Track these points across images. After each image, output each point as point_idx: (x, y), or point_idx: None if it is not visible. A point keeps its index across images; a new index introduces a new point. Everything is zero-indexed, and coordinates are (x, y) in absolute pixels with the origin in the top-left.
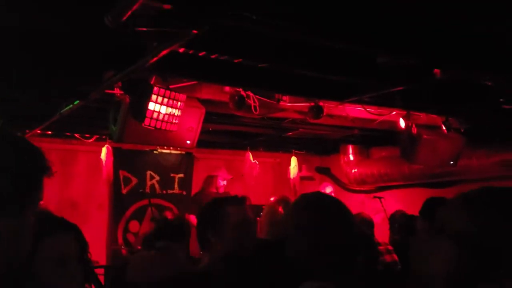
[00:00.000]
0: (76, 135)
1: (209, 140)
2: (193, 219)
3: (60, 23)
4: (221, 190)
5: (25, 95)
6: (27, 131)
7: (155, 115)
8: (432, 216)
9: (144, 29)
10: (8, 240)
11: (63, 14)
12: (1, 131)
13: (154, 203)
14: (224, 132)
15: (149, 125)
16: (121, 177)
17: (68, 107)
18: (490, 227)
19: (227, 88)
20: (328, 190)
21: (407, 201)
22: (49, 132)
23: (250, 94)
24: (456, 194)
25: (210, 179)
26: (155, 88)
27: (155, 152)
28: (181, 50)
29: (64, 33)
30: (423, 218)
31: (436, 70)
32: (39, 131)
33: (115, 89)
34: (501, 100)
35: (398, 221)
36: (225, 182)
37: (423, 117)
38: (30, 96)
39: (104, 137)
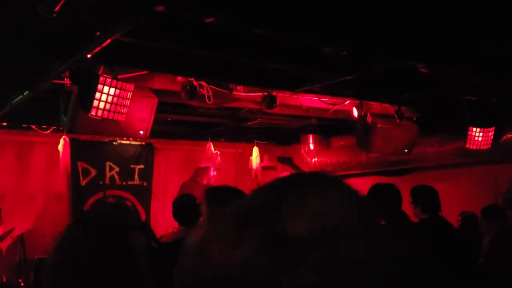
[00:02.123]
0: (32, 126)
1: (169, 131)
2: None
3: (4, 15)
4: (212, 181)
5: None
6: None
7: (101, 105)
8: (382, 201)
9: (83, 19)
10: None
11: (7, 6)
12: None
13: (114, 195)
14: (184, 123)
15: (96, 115)
16: (80, 168)
17: (18, 98)
18: None
19: (179, 78)
20: None
21: (365, 189)
22: (5, 124)
23: (204, 83)
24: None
25: (201, 171)
26: (101, 78)
27: (114, 143)
28: (128, 39)
29: (10, 25)
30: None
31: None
32: None
33: (65, 79)
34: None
35: None
36: (215, 173)
37: (376, 106)
38: None
39: (61, 128)
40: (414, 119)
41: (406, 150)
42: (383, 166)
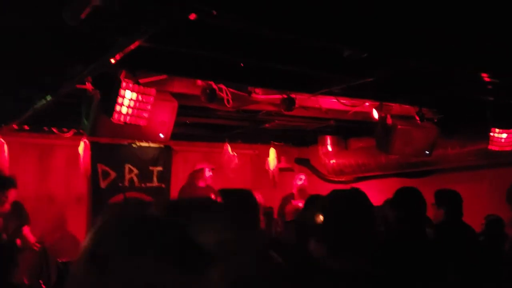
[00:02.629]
0: (53, 129)
1: (187, 133)
2: None
3: (29, 20)
4: (209, 181)
5: None
6: (3, 125)
7: (123, 110)
8: (402, 205)
9: (107, 25)
10: None
11: (32, 12)
12: None
13: (133, 197)
14: (201, 125)
15: (118, 120)
16: (100, 170)
17: (40, 103)
18: None
19: (199, 82)
20: (302, 178)
21: (385, 191)
22: (26, 127)
23: (223, 87)
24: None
25: (196, 173)
26: (124, 83)
27: (133, 145)
28: (149, 44)
29: (35, 30)
30: (391, 207)
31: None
32: (15, 126)
33: (87, 84)
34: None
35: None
36: (210, 173)
37: (396, 107)
38: (4, 91)
39: (81, 131)
40: (435, 120)
41: (427, 152)
42: (403, 168)
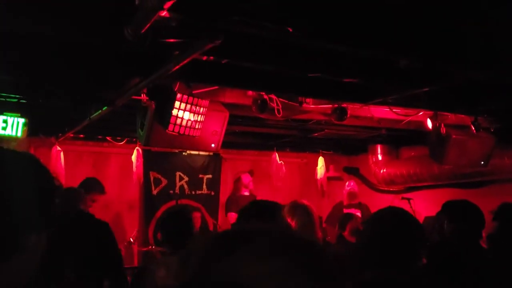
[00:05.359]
0: (107, 138)
1: (236, 141)
2: (231, 216)
3: (89, 34)
4: (251, 187)
5: (58, 101)
6: (60, 134)
7: (178, 121)
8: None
9: (164, 39)
10: None
11: (92, 27)
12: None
13: (183, 204)
14: (250, 134)
15: (173, 131)
16: (152, 178)
17: (96, 113)
18: None
19: (250, 92)
20: (351, 184)
21: (437, 202)
22: (82, 136)
23: (273, 97)
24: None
25: (236, 183)
26: (178, 95)
27: (184, 153)
28: (204, 57)
29: (93, 44)
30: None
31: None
32: (71, 135)
33: (142, 95)
34: None
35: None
36: (250, 178)
37: (451, 117)
38: (62, 102)
39: (134, 139)
40: (492, 130)
41: (482, 162)
42: (457, 178)
